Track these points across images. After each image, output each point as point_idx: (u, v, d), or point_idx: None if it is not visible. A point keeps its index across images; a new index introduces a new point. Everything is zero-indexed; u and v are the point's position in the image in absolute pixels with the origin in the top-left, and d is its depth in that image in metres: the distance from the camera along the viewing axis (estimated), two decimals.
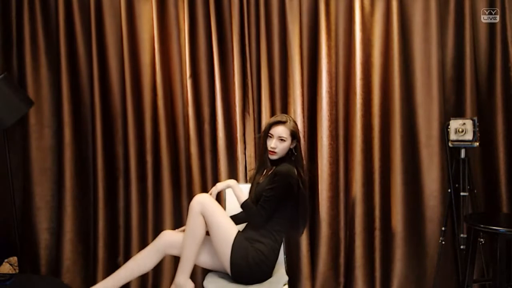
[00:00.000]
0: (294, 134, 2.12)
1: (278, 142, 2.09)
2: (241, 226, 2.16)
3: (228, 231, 2.00)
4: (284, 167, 2.07)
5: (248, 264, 1.95)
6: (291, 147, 2.14)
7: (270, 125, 2.13)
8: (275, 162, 2.15)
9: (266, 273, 2.02)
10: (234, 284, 2.01)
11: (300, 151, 2.18)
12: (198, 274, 2.67)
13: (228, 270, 1.98)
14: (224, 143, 2.68)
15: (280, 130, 2.09)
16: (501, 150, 2.59)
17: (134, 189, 2.67)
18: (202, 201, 2.01)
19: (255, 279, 1.99)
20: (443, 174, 2.62)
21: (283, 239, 2.15)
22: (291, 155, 2.15)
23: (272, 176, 2.07)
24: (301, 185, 2.07)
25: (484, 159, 2.69)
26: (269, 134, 2.12)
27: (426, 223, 2.65)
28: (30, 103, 2.52)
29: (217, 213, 2.01)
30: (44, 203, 2.71)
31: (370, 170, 2.68)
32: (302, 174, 2.11)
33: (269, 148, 2.10)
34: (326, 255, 2.69)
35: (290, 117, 2.17)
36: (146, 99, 2.70)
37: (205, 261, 2.09)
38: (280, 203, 2.05)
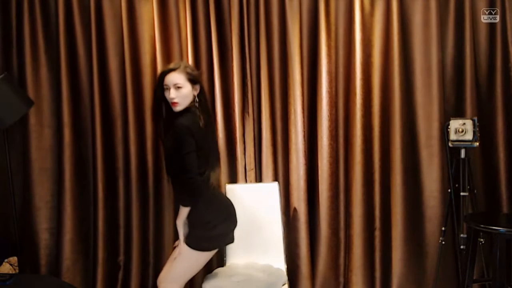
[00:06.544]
0: (192, 79, 1.98)
1: (176, 91, 1.93)
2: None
3: (196, 262, 2.00)
4: (180, 120, 1.91)
5: (200, 236, 1.95)
6: (195, 93, 2.00)
7: (162, 76, 1.97)
8: (180, 114, 1.97)
9: (228, 223, 2.03)
10: (235, 282, 2.02)
11: (205, 96, 2.05)
12: (198, 275, 2.66)
13: None
14: (224, 144, 2.68)
15: (174, 78, 1.94)
16: (501, 150, 2.59)
17: (134, 189, 2.67)
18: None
19: (225, 235, 2.02)
20: (443, 174, 2.62)
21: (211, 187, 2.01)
22: (199, 102, 2.00)
23: (172, 133, 1.93)
24: (201, 127, 1.93)
25: (484, 159, 2.69)
26: (164, 86, 1.96)
27: (426, 223, 2.65)
28: (30, 103, 2.52)
29: (178, 269, 2.00)
30: (44, 203, 2.70)
31: (370, 170, 2.68)
32: (203, 118, 1.96)
33: (169, 101, 1.95)
34: (326, 255, 2.69)
35: (183, 62, 2.06)
36: (146, 98, 2.70)
37: None
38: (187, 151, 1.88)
